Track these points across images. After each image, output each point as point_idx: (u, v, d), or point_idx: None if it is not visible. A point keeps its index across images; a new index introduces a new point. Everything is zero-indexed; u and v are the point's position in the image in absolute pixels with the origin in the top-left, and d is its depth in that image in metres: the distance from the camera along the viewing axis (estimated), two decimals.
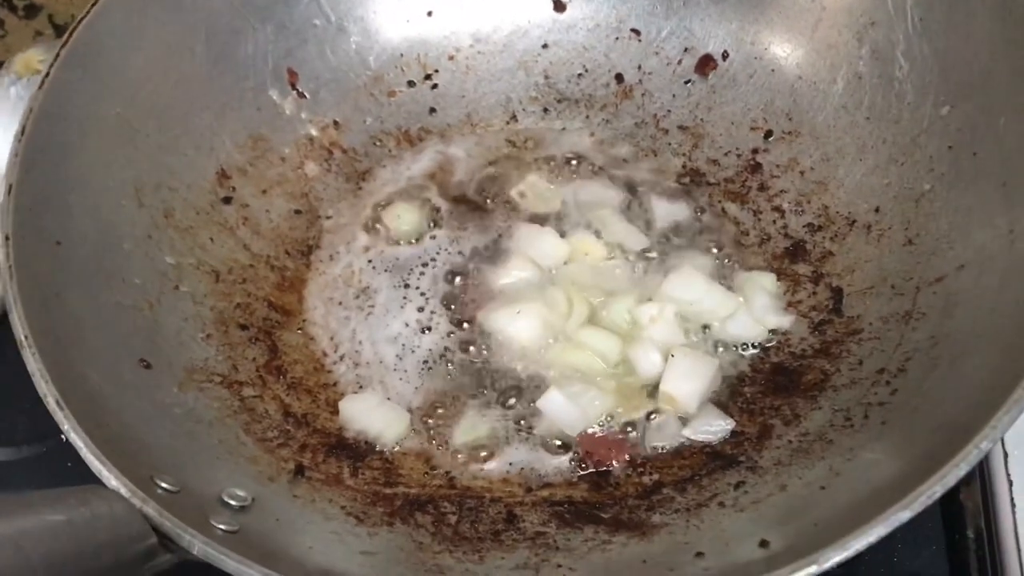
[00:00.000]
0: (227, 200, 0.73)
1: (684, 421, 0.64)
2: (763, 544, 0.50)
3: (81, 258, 0.62)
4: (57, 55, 0.66)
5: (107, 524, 0.43)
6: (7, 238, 0.57)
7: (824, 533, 0.47)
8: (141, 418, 0.56)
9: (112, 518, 0.44)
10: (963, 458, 0.46)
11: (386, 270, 0.74)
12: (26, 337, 0.53)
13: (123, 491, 0.47)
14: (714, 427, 0.63)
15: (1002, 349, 0.53)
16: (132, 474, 0.49)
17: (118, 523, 0.44)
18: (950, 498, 0.69)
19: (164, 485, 0.51)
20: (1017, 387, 0.48)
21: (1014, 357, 0.51)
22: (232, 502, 0.53)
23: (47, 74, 0.65)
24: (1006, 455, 0.71)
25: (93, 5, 0.68)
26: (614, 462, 0.62)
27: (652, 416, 0.64)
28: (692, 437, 0.63)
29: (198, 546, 0.46)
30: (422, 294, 0.72)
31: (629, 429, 0.64)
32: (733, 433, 0.62)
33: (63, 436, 0.69)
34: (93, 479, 0.49)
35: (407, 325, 0.70)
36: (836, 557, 0.44)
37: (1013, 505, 0.69)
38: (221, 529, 0.50)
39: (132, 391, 0.58)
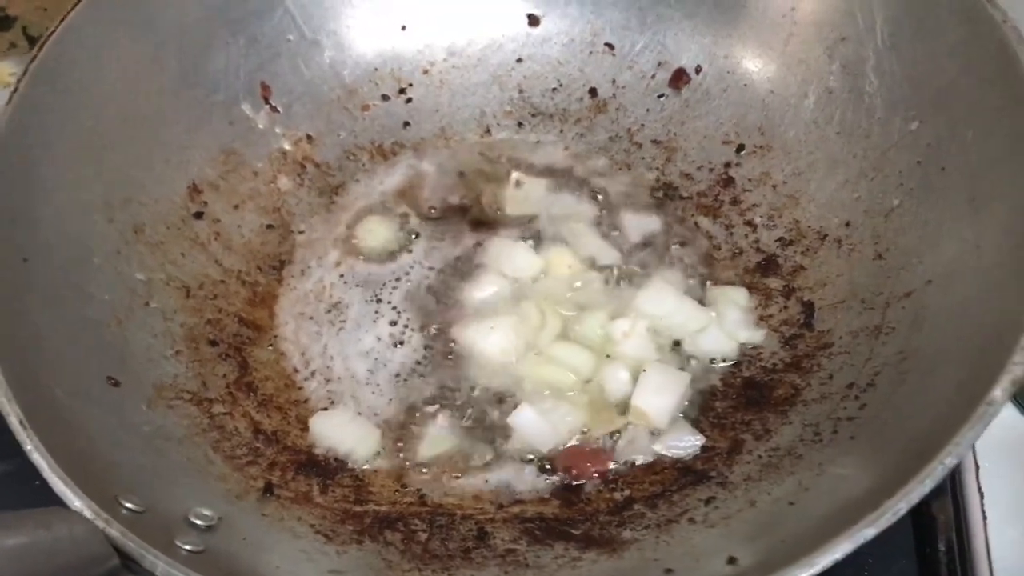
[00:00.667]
0: (198, 215, 0.73)
1: (655, 436, 0.64)
2: (731, 561, 0.50)
3: (48, 274, 0.61)
4: (25, 70, 0.65)
5: (68, 547, 0.43)
6: None
7: (792, 549, 0.47)
8: (108, 436, 0.56)
9: (73, 540, 0.43)
10: (928, 474, 0.46)
11: (358, 285, 0.73)
12: None
13: (86, 513, 0.46)
14: (684, 443, 0.63)
15: (969, 364, 0.53)
16: (96, 494, 0.48)
17: (79, 545, 0.43)
18: (921, 511, 0.70)
19: (129, 505, 0.50)
20: (981, 403, 0.48)
21: (980, 372, 0.51)
22: (198, 522, 0.53)
23: (15, 90, 0.64)
24: (978, 467, 0.71)
25: (62, 20, 0.68)
26: (593, 474, 0.62)
27: (621, 433, 0.64)
28: (663, 452, 0.63)
29: (161, 567, 0.46)
30: (394, 308, 0.72)
31: (599, 441, 0.64)
32: (704, 448, 0.63)
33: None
34: (59, 499, 0.49)
35: (379, 339, 0.70)
36: (803, 574, 0.44)
37: (984, 518, 0.69)
38: (186, 550, 0.49)
39: (99, 408, 0.57)
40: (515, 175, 0.78)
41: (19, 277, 0.59)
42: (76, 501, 0.48)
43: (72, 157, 0.67)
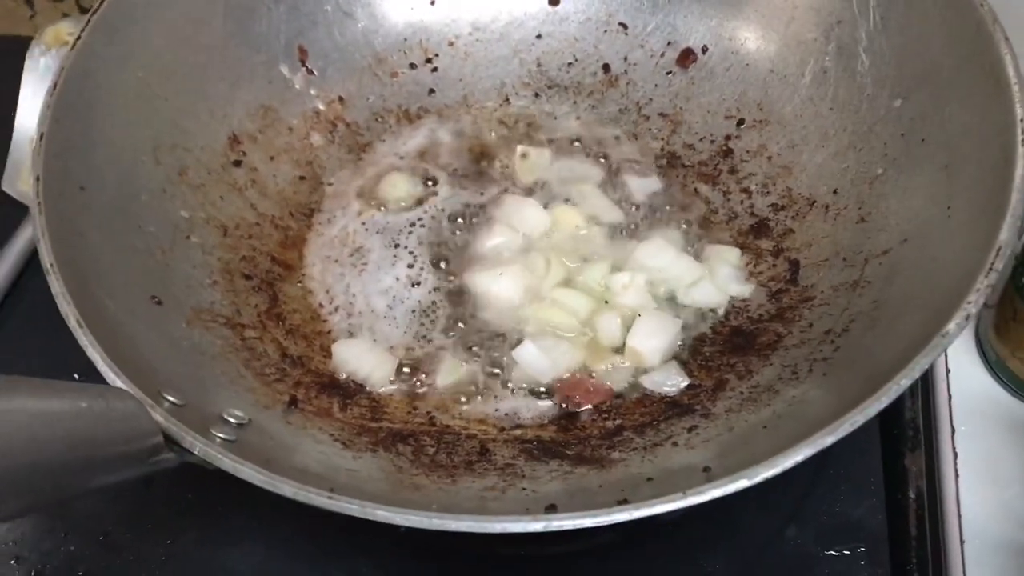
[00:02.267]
0: (237, 163, 0.79)
1: (646, 373, 0.69)
2: (706, 469, 0.56)
3: (102, 203, 0.68)
4: (88, 22, 0.72)
5: (119, 416, 0.49)
6: (38, 179, 0.63)
7: (760, 459, 0.52)
8: (152, 345, 0.62)
9: (125, 412, 0.49)
10: (884, 392, 0.52)
11: (378, 232, 0.79)
12: (51, 265, 0.59)
13: (136, 394, 0.52)
14: (672, 381, 0.68)
15: (933, 309, 0.58)
16: (143, 387, 0.54)
17: (129, 417, 0.49)
18: (894, 461, 0.75)
19: (171, 399, 0.56)
20: (935, 336, 0.53)
21: (940, 314, 0.56)
22: (231, 420, 0.59)
23: (78, 37, 0.71)
24: (953, 430, 0.76)
25: None
26: (589, 403, 0.67)
27: (616, 369, 0.70)
28: (651, 389, 0.68)
29: (199, 447, 0.52)
30: (411, 253, 0.78)
31: (595, 376, 0.70)
32: (691, 386, 0.68)
33: (75, 375, 0.76)
34: None
35: (397, 279, 0.76)
36: (765, 472, 0.50)
37: (957, 475, 0.74)
38: (220, 438, 0.55)
39: (144, 322, 0.64)
40: (520, 148, 0.84)
41: (77, 202, 0.65)
42: (123, 387, 0.54)
43: (125, 103, 0.73)
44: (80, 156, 0.68)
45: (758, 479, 0.50)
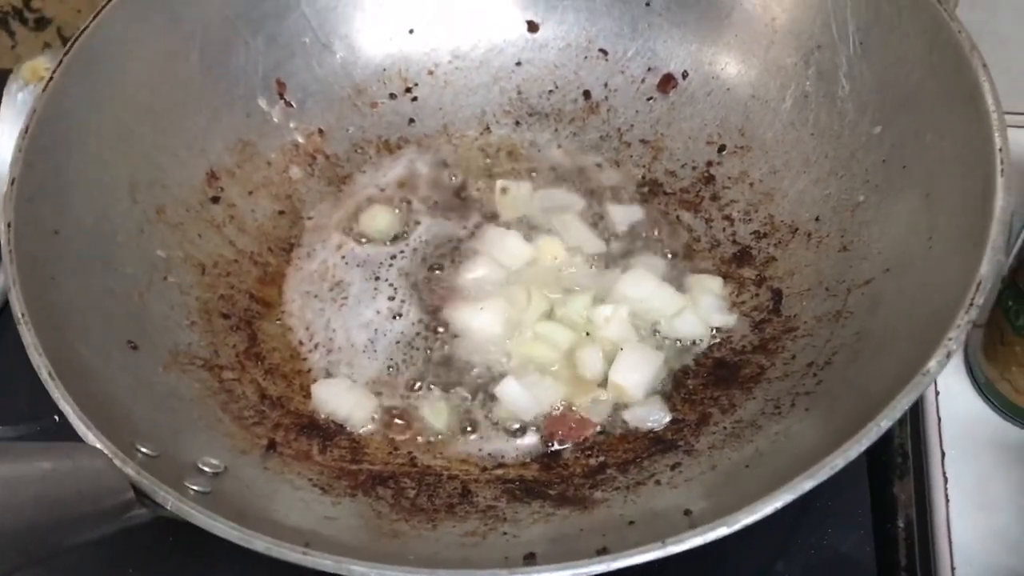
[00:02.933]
0: (215, 200, 0.78)
1: (628, 409, 0.69)
2: (687, 512, 0.55)
3: (77, 247, 0.67)
4: (60, 61, 0.71)
5: (88, 475, 0.48)
6: (8, 225, 0.63)
7: (742, 502, 0.51)
8: (127, 393, 0.61)
9: (93, 470, 0.48)
10: (864, 434, 0.51)
11: (358, 265, 0.79)
12: (23, 314, 0.58)
13: (106, 451, 0.52)
14: (654, 416, 0.68)
15: (915, 342, 0.58)
16: (115, 439, 0.54)
17: (98, 476, 0.49)
18: (882, 490, 0.74)
19: (144, 450, 0.55)
20: (916, 374, 0.53)
21: (922, 349, 0.55)
22: (206, 469, 0.58)
23: (50, 78, 0.70)
24: (943, 454, 0.76)
25: (95, 16, 0.74)
26: (573, 440, 0.67)
27: (598, 405, 0.69)
28: (634, 424, 0.68)
29: (172, 502, 0.51)
30: (391, 285, 0.77)
31: (578, 411, 0.69)
32: (674, 420, 0.67)
33: (55, 417, 0.76)
34: None
35: (378, 312, 0.76)
36: (746, 519, 0.49)
37: (947, 500, 0.74)
38: (194, 490, 0.55)
39: (119, 368, 0.63)
40: (499, 183, 0.83)
41: (50, 247, 0.65)
42: (97, 443, 0.53)
43: (101, 141, 0.72)
44: (54, 199, 0.67)
45: (737, 526, 0.49)
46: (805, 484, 0.50)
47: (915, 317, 0.60)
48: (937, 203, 0.64)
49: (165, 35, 0.78)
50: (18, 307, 0.59)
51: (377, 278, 0.78)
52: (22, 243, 0.62)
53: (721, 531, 0.49)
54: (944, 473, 0.75)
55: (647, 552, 0.49)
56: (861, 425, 0.52)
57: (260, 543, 0.50)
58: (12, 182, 0.65)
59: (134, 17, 0.75)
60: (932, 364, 0.53)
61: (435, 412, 0.70)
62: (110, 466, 0.50)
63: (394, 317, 0.75)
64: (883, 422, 0.51)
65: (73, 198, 0.69)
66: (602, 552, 0.50)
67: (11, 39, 1.18)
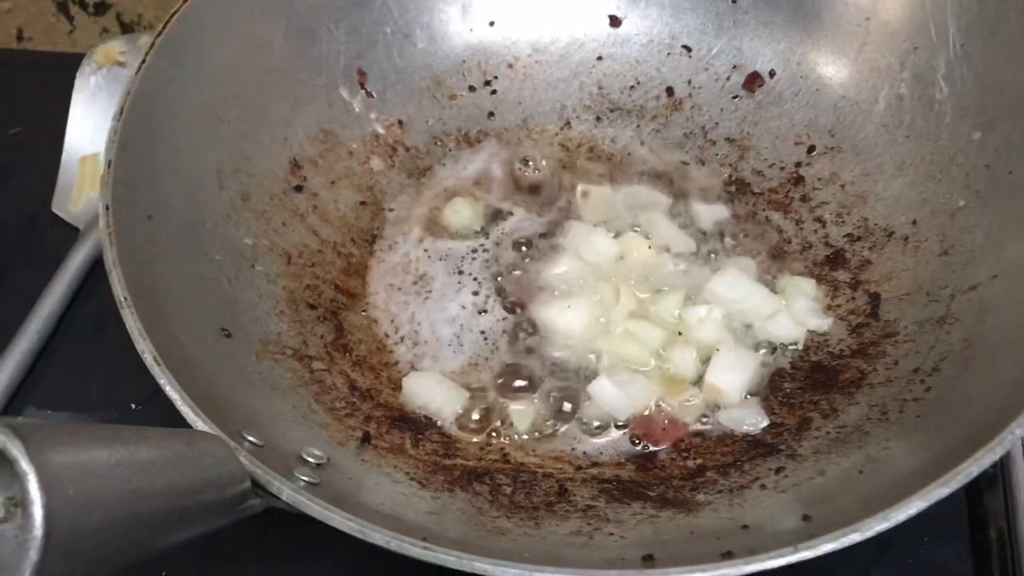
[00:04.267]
0: (299, 188, 0.77)
1: (725, 411, 0.67)
2: (806, 518, 0.54)
3: (169, 232, 0.66)
4: (152, 43, 0.70)
5: (212, 463, 0.47)
6: (107, 208, 0.62)
7: (864, 508, 0.50)
8: (225, 381, 0.60)
9: (216, 458, 0.47)
10: (998, 442, 0.50)
11: (441, 259, 0.78)
12: (125, 298, 0.58)
13: (223, 437, 0.51)
14: (751, 420, 0.66)
15: None
16: (224, 427, 0.53)
17: (221, 464, 0.48)
18: (976, 500, 0.73)
19: (251, 439, 0.54)
20: None
21: None
22: (311, 459, 0.57)
23: (143, 60, 0.69)
24: None
25: (185, 1, 0.73)
26: (668, 442, 0.65)
27: (694, 406, 0.68)
28: (729, 426, 0.66)
29: (287, 492, 0.50)
30: (475, 279, 0.76)
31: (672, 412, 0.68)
32: (773, 424, 0.66)
33: (132, 405, 0.75)
34: None
35: (463, 308, 0.74)
36: (878, 526, 0.48)
37: None
38: (304, 480, 0.54)
39: (216, 356, 0.62)
40: (580, 187, 0.81)
41: (145, 232, 0.64)
42: (207, 430, 0.52)
43: (189, 127, 0.72)
44: (147, 183, 0.66)
45: (870, 533, 0.48)
46: (939, 491, 0.49)
47: None
48: None
49: (251, 22, 0.77)
50: (120, 291, 0.58)
51: (460, 272, 0.77)
52: (120, 227, 0.61)
53: (854, 537, 0.48)
54: None
55: (778, 557, 0.47)
56: (985, 432, 0.51)
57: (379, 536, 0.49)
58: (108, 164, 0.64)
59: (221, 2, 0.75)
60: None
61: (521, 414, 0.69)
62: (231, 455, 0.49)
63: (480, 312, 0.74)
64: (1017, 429, 0.50)
65: (164, 183, 0.68)
66: (727, 556, 0.49)
67: (70, 24, 1.17)
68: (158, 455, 0.43)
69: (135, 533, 0.42)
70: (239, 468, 0.49)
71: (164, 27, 0.71)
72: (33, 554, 0.35)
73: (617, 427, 0.68)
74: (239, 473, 0.49)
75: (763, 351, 0.70)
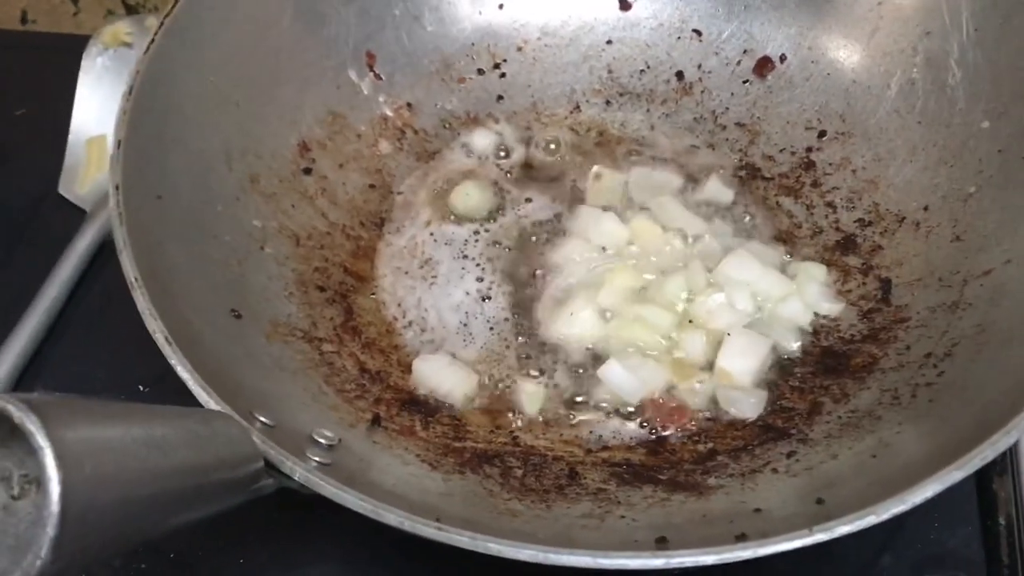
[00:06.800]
0: (307, 171, 0.77)
1: (731, 397, 0.67)
2: (819, 501, 0.53)
3: (178, 213, 0.66)
4: (161, 24, 0.70)
5: (225, 442, 0.47)
6: (117, 187, 0.61)
7: (878, 491, 0.50)
8: (235, 361, 0.60)
9: (230, 437, 0.47)
10: (1015, 425, 0.50)
11: (446, 243, 0.77)
12: (136, 279, 0.57)
13: (235, 416, 0.50)
14: (749, 403, 0.66)
15: None
16: (236, 407, 0.53)
17: (234, 443, 0.47)
18: (985, 485, 0.73)
19: (263, 419, 0.54)
20: None
21: None
22: (322, 440, 0.57)
23: (152, 40, 0.69)
24: None
25: None
26: (677, 426, 0.65)
27: (704, 390, 0.68)
28: (726, 409, 0.66)
29: (299, 472, 0.50)
30: (479, 266, 0.76)
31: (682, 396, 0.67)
32: (784, 408, 0.66)
33: (139, 387, 0.75)
34: None
35: (467, 294, 0.74)
36: (895, 508, 0.48)
37: None
38: (316, 461, 0.54)
39: (226, 337, 0.62)
40: (595, 169, 0.81)
41: (155, 213, 0.64)
42: (223, 410, 0.52)
43: (198, 107, 0.71)
44: (157, 164, 0.66)
45: (887, 515, 0.48)
46: (954, 475, 0.49)
47: None
48: None
49: (258, 3, 0.77)
50: (131, 271, 0.58)
51: (465, 256, 0.77)
52: (130, 206, 0.61)
53: (870, 519, 0.48)
54: None
55: (792, 540, 0.47)
56: (1005, 418, 0.51)
57: (393, 516, 0.48)
58: (118, 144, 0.64)
59: None
60: None
61: (530, 397, 0.68)
62: (244, 434, 0.49)
63: (484, 299, 0.74)
64: None
65: (173, 163, 0.68)
66: (741, 538, 0.49)
67: (74, 5, 1.16)
68: (173, 433, 0.43)
69: (150, 510, 0.41)
70: (252, 448, 0.49)
71: (172, 8, 0.71)
72: (50, 530, 0.35)
73: (627, 411, 0.67)
74: (252, 453, 0.49)
75: (774, 335, 0.70)
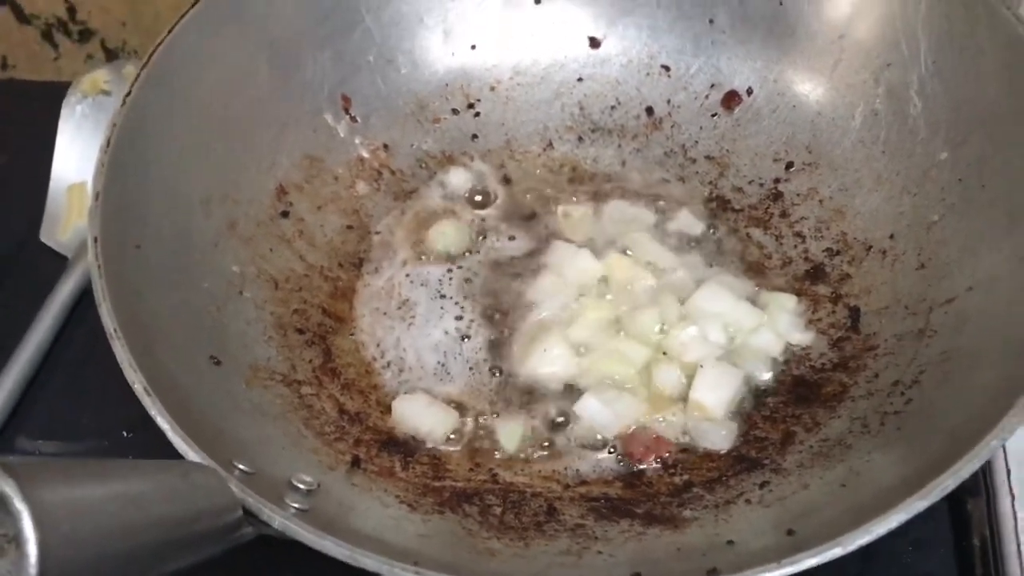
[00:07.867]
0: (285, 214, 0.78)
1: (705, 429, 0.68)
2: (790, 532, 0.55)
3: (157, 261, 0.67)
4: (138, 75, 0.71)
5: (204, 494, 0.48)
6: (96, 239, 0.62)
7: (848, 521, 0.51)
8: (215, 408, 0.61)
9: (208, 488, 0.48)
10: (975, 454, 0.51)
11: (423, 284, 0.78)
12: (115, 330, 0.58)
13: (214, 467, 0.51)
14: (718, 435, 0.67)
15: (1010, 361, 0.58)
16: (214, 456, 0.54)
17: (213, 494, 0.48)
18: (959, 506, 0.74)
19: (241, 467, 0.55)
20: (1022, 394, 0.53)
21: (1020, 368, 0.55)
22: (300, 486, 0.58)
23: (128, 92, 0.70)
24: (1009, 471, 0.75)
25: (169, 31, 0.74)
26: (654, 459, 0.66)
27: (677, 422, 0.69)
28: (697, 441, 0.67)
29: (278, 520, 0.51)
30: (457, 304, 0.77)
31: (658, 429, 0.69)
32: (757, 438, 0.67)
33: (124, 432, 0.75)
34: None
35: (446, 333, 0.75)
36: (860, 540, 0.49)
37: (1015, 517, 0.73)
38: (295, 508, 0.54)
39: (206, 384, 0.63)
40: (561, 209, 0.83)
41: (134, 262, 0.65)
42: (198, 460, 0.53)
43: (175, 156, 0.72)
44: (135, 214, 0.67)
45: (852, 547, 0.49)
46: (918, 504, 0.50)
47: (1007, 336, 0.60)
48: (1021, 221, 0.65)
49: (236, 50, 0.78)
50: (110, 323, 0.59)
51: (443, 296, 0.78)
52: (109, 257, 0.62)
53: (835, 551, 0.49)
54: (1011, 491, 0.75)
55: (762, 573, 0.48)
56: (965, 443, 0.52)
57: (370, 561, 0.49)
58: (96, 196, 0.65)
59: (206, 31, 0.76)
60: None
61: (508, 434, 0.69)
62: (223, 484, 0.49)
63: (463, 339, 0.75)
64: (992, 442, 0.51)
65: (151, 212, 0.69)
66: (713, 572, 0.50)
67: (55, 51, 1.18)
68: (151, 488, 0.44)
69: (129, 565, 0.42)
70: (231, 497, 0.50)
71: (149, 58, 0.72)
72: None
73: (604, 444, 0.68)
74: (231, 502, 0.49)
75: (746, 366, 0.71)
